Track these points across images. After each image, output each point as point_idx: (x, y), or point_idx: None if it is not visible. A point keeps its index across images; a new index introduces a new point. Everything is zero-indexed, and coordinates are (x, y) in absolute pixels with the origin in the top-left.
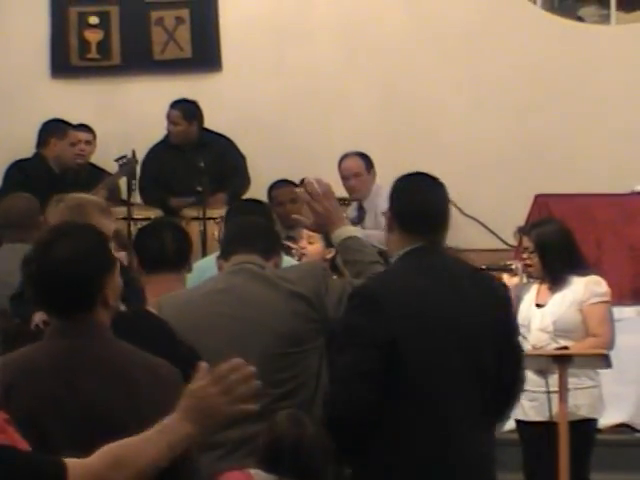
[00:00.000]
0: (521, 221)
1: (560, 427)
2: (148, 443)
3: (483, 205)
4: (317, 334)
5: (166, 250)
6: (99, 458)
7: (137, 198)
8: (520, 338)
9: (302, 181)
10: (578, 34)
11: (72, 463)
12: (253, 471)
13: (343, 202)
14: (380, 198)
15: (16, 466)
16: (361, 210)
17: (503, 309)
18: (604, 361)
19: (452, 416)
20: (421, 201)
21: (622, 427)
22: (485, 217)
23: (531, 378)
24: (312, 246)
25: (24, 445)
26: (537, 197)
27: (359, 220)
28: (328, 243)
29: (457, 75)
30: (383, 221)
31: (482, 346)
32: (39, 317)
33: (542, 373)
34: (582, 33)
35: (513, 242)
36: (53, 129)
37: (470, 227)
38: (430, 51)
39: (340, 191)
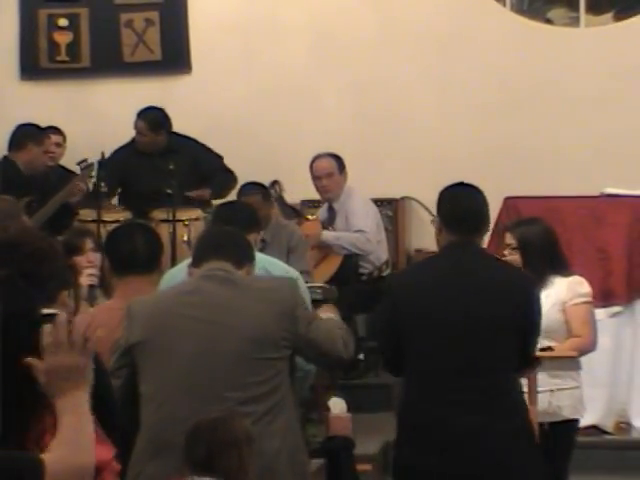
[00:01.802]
0: (491, 222)
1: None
2: (77, 424)
3: None
4: (286, 343)
5: (138, 252)
6: (61, 449)
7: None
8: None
9: (273, 183)
10: (547, 36)
11: (47, 457)
12: (193, 478)
13: (314, 204)
14: (351, 200)
15: None
16: (332, 211)
17: (520, 303)
18: (575, 362)
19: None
20: (459, 206)
21: (591, 429)
22: None
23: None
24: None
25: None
26: (506, 199)
27: (330, 221)
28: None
29: (426, 76)
30: (354, 223)
31: (485, 335)
32: None
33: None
34: (551, 35)
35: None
36: (31, 134)
37: None
38: (400, 52)
39: (311, 192)
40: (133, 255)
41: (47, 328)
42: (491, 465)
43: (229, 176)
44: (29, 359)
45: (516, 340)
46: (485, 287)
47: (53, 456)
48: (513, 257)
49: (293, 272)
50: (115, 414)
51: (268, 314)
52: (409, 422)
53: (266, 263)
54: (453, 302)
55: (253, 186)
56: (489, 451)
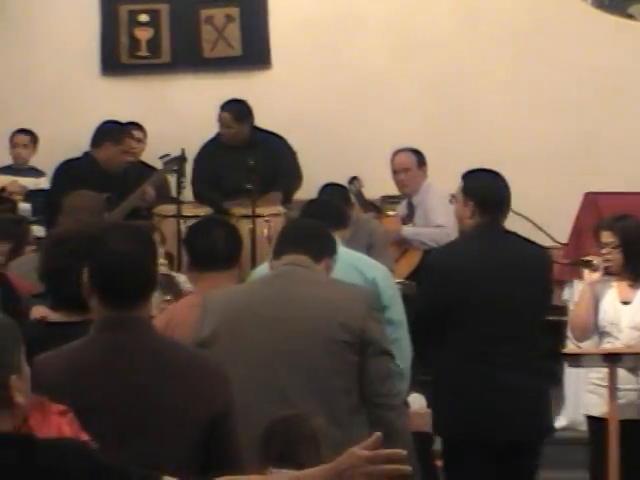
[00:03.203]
0: (571, 219)
1: (611, 426)
2: None
3: (532, 202)
4: (352, 349)
5: (217, 248)
6: None
7: (187, 196)
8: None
9: (352, 179)
10: (629, 31)
11: None
12: (273, 470)
13: (394, 199)
14: (429, 195)
15: (91, 471)
16: (411, 207)
17: (546, 276)
18: None
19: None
20: (495, 192)
21: None
22: (534, 214)
23: (622, 375)
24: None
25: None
26: (587, 195)
27: (409, 217)
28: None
29: (506, 72)
30: (433, 218)
31: (517, 305)
32: (38, 312)
33: (634, 371)
34: (633, 30)
35: (562, 239)
36: (110, 133)
37: (519, 224)
38: (480, 49)
39: (391, 188)
40: (213, 251)
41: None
42: (525, 423)
43: (295, 179)
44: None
45: (541, 309)
46: (519, 262)
47: None
48: (615, 256)
49: (382, 269)
50: None
51: (338, 318)
52: (451, 385)
53: (355, 260)
54: (492, 278)
55: (333, 187)
56: (524, 410)
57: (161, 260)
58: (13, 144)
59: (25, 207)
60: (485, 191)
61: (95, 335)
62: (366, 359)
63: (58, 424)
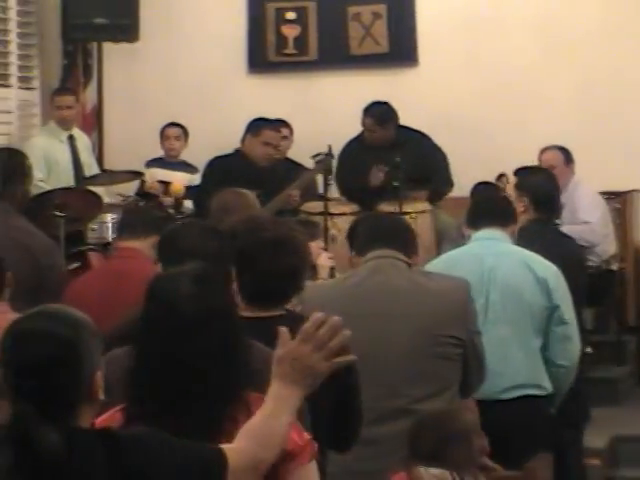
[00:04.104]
0: None
1: None
2: (274, 417)
3: None
4: (455, 342)
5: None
6: (247, 440)
7: (334, 193)
8: None
9: (500, 176)
10: None
11: (228, 449)
12: (422, 469)
13: None
14: (577, 192)
15: (180, 456)
16: None
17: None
18: None
19: None
20: (551, 189)
21: None
22: None
23: None
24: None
25: None
26: None
27: None
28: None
29: None
30: (579, 215)
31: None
32: None
33: None
34: None
35: None
36: (250, 126)
37: None
38: (626, 45)
39: None
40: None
41: (314, 315)
42: None
43: (446, 182)
44: (282, 328)
45: None
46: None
47: (236, 447)
48: None
49: (552, 268)
50: None
51: (440, 310)
52: None
53: (526, 258)
54: None
55: (486, 186)
56: None
57: (329, 254)
58: (165, 137)
59: (188, 204)
60: (546, 188)
61: None
62: (468, 349)
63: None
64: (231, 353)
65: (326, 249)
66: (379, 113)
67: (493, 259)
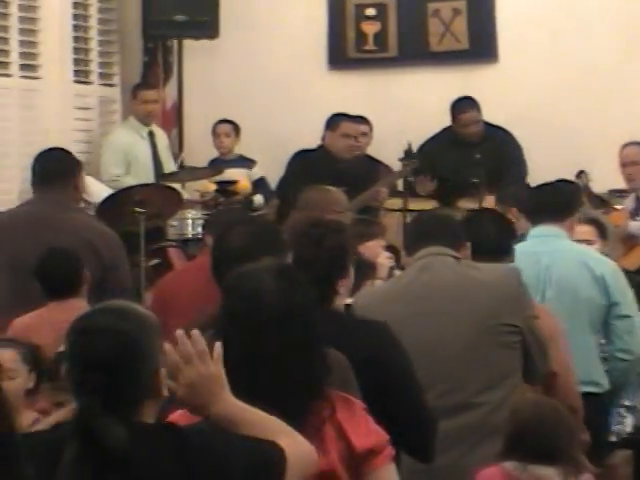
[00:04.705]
0: None
1: None
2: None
3: None
4: (512, 329)
5: (490, 238)
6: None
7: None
8: None
9: (579, 173)
10: None
11: (286, 446)
12: (508, 464)
13: (621, 193)
14: None
15: (243, 453)
16: (638, 201)
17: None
18: None
19: None
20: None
21: None
22: None
23: None
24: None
25: None
26: None
27: (636, 212)
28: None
29: None
30: None
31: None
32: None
33: None
34: None
35: None
36: (328, 121)
37: None
38: None
39: (619, 182)
40: (484, 241)
41: (168, 345)
42: None
43: (522, 173)
44: (169, 382)
45: None
46: None
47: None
48: None
49: (611, 264)
50: None
51: (493, 300)
52: None
53: (583, 255)
54: None
55: (565, 183)
56: None
57: (389, 253)
58: (215, 134)
59: (259, 199)
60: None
61: None
62: (527, 335)
63: (365, 421)
64: (313, 348)
65: (388, 247)
66: (477, 105)
67: (549, 257)
